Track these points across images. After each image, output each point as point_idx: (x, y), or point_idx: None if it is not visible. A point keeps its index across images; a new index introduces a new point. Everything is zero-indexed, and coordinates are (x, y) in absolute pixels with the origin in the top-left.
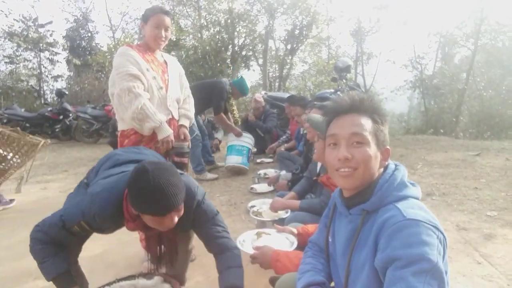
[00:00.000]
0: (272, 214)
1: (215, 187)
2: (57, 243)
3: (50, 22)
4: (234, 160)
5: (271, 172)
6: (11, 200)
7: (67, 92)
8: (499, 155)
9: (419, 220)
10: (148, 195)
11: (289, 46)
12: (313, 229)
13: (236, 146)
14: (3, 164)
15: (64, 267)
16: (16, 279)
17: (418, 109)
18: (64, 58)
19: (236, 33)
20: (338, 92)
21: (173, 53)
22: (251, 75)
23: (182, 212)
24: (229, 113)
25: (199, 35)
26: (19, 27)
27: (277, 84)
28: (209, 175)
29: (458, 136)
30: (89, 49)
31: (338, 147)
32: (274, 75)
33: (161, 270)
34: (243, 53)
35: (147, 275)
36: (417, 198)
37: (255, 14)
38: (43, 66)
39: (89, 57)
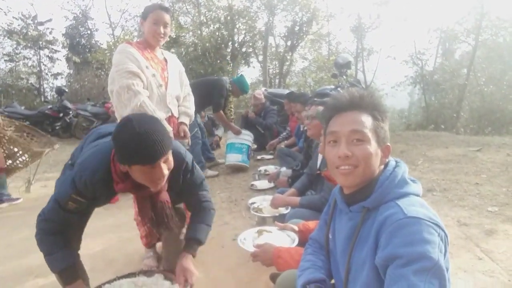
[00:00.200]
0: (273, 211)
1: (216, 184)
2: (61, 231)
3: (50, 20)
4: (234, 158)
5: (271, 168)
6: (17, 198)
7: (67, 90)
8: (500, 150)
9: (420, 218)
10: (134, 143)
11: (289, 43)
12: (314, 226)
13: (236, 144)
14: (11, 160)
15: (71, 260)
16: (16, 277)
17: (418, 105)
18: (63, 56)
19: (236, 30)
20: (339, 89)
21: (173, 50)
22: (251, 72)
23: (171, 164)
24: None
25: (199, 32)
26: (19, 25)
27: (277, 80)
28: (210, 172)
29: (459, 132)
30: (88, 46)
31: (338, 144)
32: (274, 72)
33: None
34: (243, 50)
35: (148, 272)
36: (418, 195)
37: (255, 10)
38: (43, 64)
39: (89, 54)
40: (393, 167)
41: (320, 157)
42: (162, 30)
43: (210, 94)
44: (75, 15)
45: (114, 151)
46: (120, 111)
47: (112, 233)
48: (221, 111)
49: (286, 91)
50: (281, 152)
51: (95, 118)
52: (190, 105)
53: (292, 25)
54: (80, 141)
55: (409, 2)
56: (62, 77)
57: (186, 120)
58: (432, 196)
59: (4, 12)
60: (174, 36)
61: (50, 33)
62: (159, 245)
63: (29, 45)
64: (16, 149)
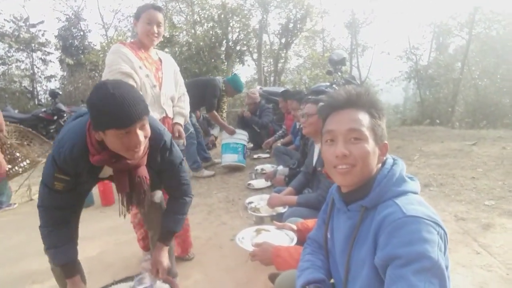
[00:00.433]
0: (270, 210)
1: (212, 184)
2: (63, 220)
3: (42, 22)
4: (230, 158)
5: (268, 167)
6: (13, 204)
7: (60, 92)
8: (495, 144)
9: (419, 217)
10: (108, 104)
11: (283, 40)
12: (312, 224)
13: (231, 144)
14: (11, 165)
15: (74, 256)
16: (13, 283)
17: (413, 100)
18: (57, 58)
19: (229, 28)
20: (334, 85)
21: (167, 50)
22: (246, 70)
23: (148, 131)
24: (219, 112)
25: (193, 31)
26: (10, 27)
27: (272, 78)
28: (206, 172)
29: (454, 126)
30: (82, 48)
31: (335, 143)
32: (269, 70)
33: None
34: (237, 48)
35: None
36: (416, 193)
37: (248, 8)
38: (36, 67)
39: (82, 56)
40: (390, 165)
41: (316, 154)
42: (155, 29)
43: (203, 94)
44: (68, 16)
45: (89, 117)
46: None
47: (109, 236)
48: (214, 111)
49: (282, 89)
50: (278, 151)
51: None
52: (184, 105)
53: (286, 22)
54: None
55: None
56: (55, 80)
57: (181, 121)
58: (429, 191)
59: None
60: (168, 36)
61: (43, 35)
62: None
63: (21, 47)
64: (18, 154)
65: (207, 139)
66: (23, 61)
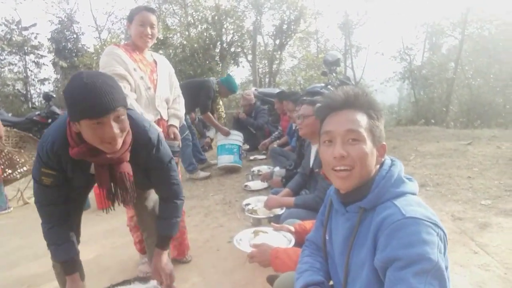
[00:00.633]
0: (267, 211)
1: (209, 186)
2: (59, 216)
3: (34, 25)
4: (226, 159)
5: (264, 168)
6: (9, 207)
7: (54, 95)
8: (490, 143)
9: (419, 218)
10: (81, 93)
11: (277, 41)
12: (310, 226)
13: (226, 145)
14: (10, 170)
15: (74, 254)
16: (9, 287)
17: (408, 100)
18: (50, 61)
19: (224, 30)
20: (329, 86)
21: (161, 52)
22: (240, 72)
23: (125, 125)
24: (215, 113)
25: (187, 33)
26: (2, 30)
27: (267, 79)
28: (202, 174)
29: (449, 126)
30: (75, 50)
31: (333, 144)
32: (264, 71)
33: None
34: (232, 49)
35: (143, 279)
36: (414, 194)
37: (242, 10)
38: (29, 70)
39: (76, 58)
40: (388, 166)
41: (313, 156)
42: (149, 31)
43: (197, 95)
44: (60, 19)
45: (66, 107)
46: None
47: (105, 239)
48: (208, 113)
49: (277, 90)
50: (274, 152)
51: None
52: (180, 107)
53: (280, 24)
54: None
55: None
56: (49, 83)
57: (176, 123)
58: (425, 191)
59: None
60: (161, 38)
61: (35, 38)
62: None
63: (14, 50)
64: (18, 159)
65: (202, 141)
66: (16, 64)
